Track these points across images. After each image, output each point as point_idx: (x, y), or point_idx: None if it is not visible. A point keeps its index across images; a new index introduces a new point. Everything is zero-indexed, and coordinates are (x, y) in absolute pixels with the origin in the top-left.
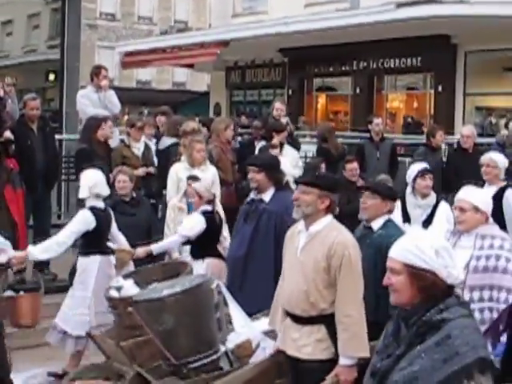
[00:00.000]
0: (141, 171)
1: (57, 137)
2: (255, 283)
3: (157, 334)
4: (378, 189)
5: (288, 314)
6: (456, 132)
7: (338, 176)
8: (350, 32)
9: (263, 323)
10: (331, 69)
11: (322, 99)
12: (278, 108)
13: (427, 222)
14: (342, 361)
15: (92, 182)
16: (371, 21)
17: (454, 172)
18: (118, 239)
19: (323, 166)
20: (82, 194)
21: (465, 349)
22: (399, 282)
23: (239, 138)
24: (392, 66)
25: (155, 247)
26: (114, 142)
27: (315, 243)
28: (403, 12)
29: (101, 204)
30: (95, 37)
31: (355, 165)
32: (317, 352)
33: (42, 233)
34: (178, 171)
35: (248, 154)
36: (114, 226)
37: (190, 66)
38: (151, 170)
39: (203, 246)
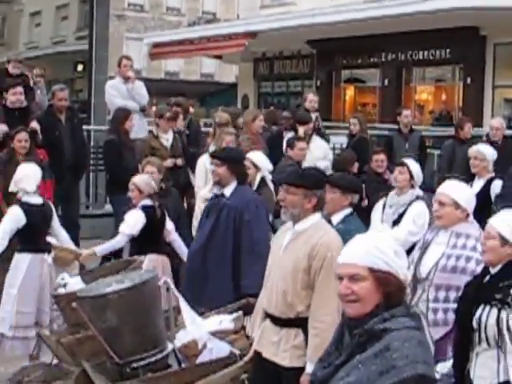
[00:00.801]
0: (169, 162)
1: (85, 127)
2: (213, 278)
3: (100, 331)
4: (338, 182)
5: (267, 314)
6: (484, 124)
7: (366, 167)
8: (378, 23)
9: (213, 322)
10: (359, 60)
11: (350, 91)
12: (312, 100)
13: (397, 223)
14: (309, 368)
15: (18, 176)
16: (399, 12)
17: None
18: (59, 236)
19: (356, 158)
20: (10, 188)
21: (402, 363)
22: (364, 289)
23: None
24: (420, 57)
25: (99, 249)
26: (142, 133)
27: (299, 242)
28: (431, 4)
29: (35, 199)
30: (123, 28)
31: (382, 156)
32: (293, 360)
33: (70, 223)
34: (206, 162)
35: (277, 146)
36: (55, 223)
37: (219, 57)
38: (179, 161)
39: (144, 241)
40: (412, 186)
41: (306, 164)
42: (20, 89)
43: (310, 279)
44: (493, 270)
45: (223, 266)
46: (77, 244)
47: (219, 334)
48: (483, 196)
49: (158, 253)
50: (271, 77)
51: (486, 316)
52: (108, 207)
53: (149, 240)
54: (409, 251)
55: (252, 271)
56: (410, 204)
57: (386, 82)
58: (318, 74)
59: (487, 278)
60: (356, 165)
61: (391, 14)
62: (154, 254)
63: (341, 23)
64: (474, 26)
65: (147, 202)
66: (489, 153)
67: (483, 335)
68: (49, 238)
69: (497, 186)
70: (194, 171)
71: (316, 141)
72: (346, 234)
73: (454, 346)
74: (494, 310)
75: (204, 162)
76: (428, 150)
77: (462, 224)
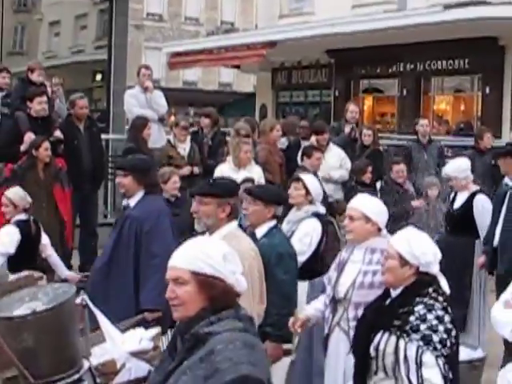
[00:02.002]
0: (186, 170)
1: (103, 136)
2: (115, 293)
3: (15, 352)
4: (260, 194)
5: None
6: (504, 134)
7: (386, 178)
8: (397, 33)
9: (133, 342)
10: (378, 70)
11: (368, 101)
12: (353, 110)
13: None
14: None
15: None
16: (418, 22)
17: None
18: None
19: (370, 168)
20: None
21: (226, 365)
22: (187, 293)
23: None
24: (439, 67)
25: None
26: (160, 143)
27: None
28: (450, 14)
29: None
30: (142, 37)
31: (402, 166)
32: None
33: (88, 232)
34: (224, 171)
35: (294, 156)
36: None
37: (237, 66)
38: (196, 169)
39: (19, 257)
40: (310, 202)
41: (320, 174)
42: (45, 98)
43: None
44: (393, 293)
45: (125, 281)
46: (95, 253)
47: (140, 354)
48: (466, 208)
49: (34, 269)
50: (289, 86)
51: (385, 343)
52: None
53: (24, 256)
54: None
55: (148, 285)
56: (301, 221)
57: (405, 91)
58: (337, 83)
59: (388, 301)
60: (369, 175)
61: (410, 24)
62: (29, 270)
63: (360, 33)
64: (493, 36)
65: (22, 216)
66: (458, 170)
67: (380, 363)
68: None
69: (480, 201)
70: None
71: (332, 150)
72: (269, 248)
73: (353, 374)
74: (393, 338)
75: (222, 170)
76: (447, 160)
77: (375, 239)
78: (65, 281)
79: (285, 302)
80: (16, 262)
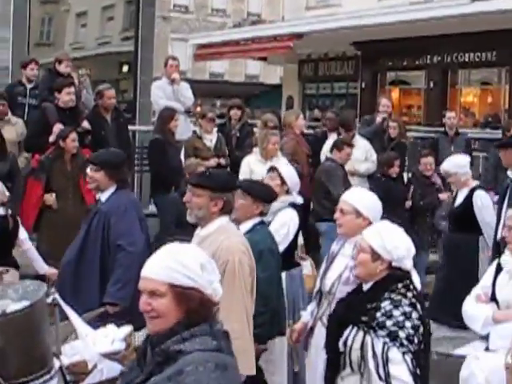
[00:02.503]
0: (212, 162)
1: (130, 128)
2: (84, 285)
3: None
4: (250, 189)
5: None
6: None
7: (414, 169)
8: (424, 26)
9: (105, 342)
10: (404, 63)
11: (395, 93)
12: (385, 104)
13: None
14: None
15: None
16: (445, 14)
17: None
18: None
19: (397, 162)
20: None
21: None
22: (163, 306)
23: (311, 131)
24: (466, 60)
25: None
26: (186, 135)
27: (204, 247)
28: (477, 6)
29: None
30: (168, 29)
31: (430, 159)
32: None
33: None
34: (251, 163)
35: (321, 147)
36: None
37: (263, 58)
38: (222, 160)
39: None
40: (287, 192)
41: (346, 167)
42: (73, 89)
43: None
44: (365, 287)
45: (92, 274)
46: None
47: (111, 355)
48: (466, 204)
49: (9, 265)
50: (316, 78)
51: (352, 339)
52: (152, 208)
53: (1, 251)
54: None
55: (111, 279)
56: (277, 212)
57: (432, 84)
58: (363, 75)
59: (359, 296)
60: (396, 169)
61: (437, 16)
62: (5, 266)
63: (386, 25)
64: None
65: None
66: (456, 166)
67: (347, 359)
68: None
69: (479, 196)
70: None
71: (358, 142)
72: (251, 244)
73: (325, 369)
74: (360, 334)
75: (248, 162)
76: (474, 153)
77: None
78: (41, 276)
79: (261, 299)
80: None
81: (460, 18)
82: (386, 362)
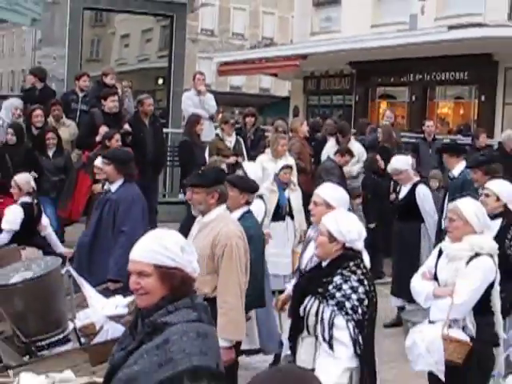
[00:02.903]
0: (232, 159)
1: (164, 130)
2: (98, 266)
3: (9, 314)
4: (235, 182)
5: None
6: (496, 135)
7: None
8: (409, 49)
9: (110, 307)
10: (391, 80)
11: (383, 105)
12: (389, 116)
13: None
14: (221, 343)
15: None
16: (426, 40)
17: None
18: None
19: (378, 157)
20: None
21: (179, 356)
22: (150, 284)
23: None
24: (443, 78)
25: None
26: (210, 137)
27: (205, 232)
28: (453, 34)
29: None
30: (196, 49)
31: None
32: None
33: (150, 209)
34: (263, 161)
35: (322, 149)
36: None
37: (274, 74)
38: (240, 159)
39: (21, 234)
40: None
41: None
42: (116, 97)
43: (214, 265)
44: (323, 264)
45: (105, 255)
46: (155, 226)
47: (116, 318)
48: (411, 198)
49: (31, 245)
50: (318, 92)
51: (310, 306)
52: (181, 196)
53: (24, 234)
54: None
55: (112, 258)
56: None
57: (414, 98)
58: (357, 90)
59: (318, 271)
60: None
61: (419, 42)
62: (28, 246)
63: (377, 49)
64: (488, 52)
65: (26, 199)
66: (399, 165)
67: (306, 323)
68: None
69: (421, 190)
70: None
71: (353, 145)
72: (245, 230)
73: (289, 331)
74: (316, 302)
75: (262, 160)
76: None
77: None
78: (59, 255)
79: (252, 279)
80: (19, 237)
81: (438, 43)
82: (331, 326)
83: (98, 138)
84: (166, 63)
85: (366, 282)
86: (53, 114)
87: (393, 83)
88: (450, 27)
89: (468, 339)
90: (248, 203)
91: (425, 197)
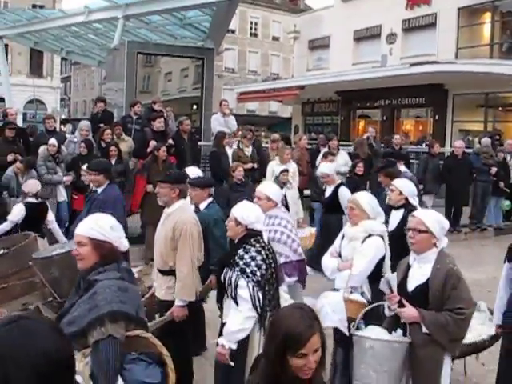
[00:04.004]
0: (249, 165)
1: (198, 143)
2: None
3: (47, 280)
4: (196, 183)
5: (157, 268)
6: (446, 145)
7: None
8: (381, 81)
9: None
10: (368, 104)
11: (361, 123)
12: (371, 131)
13: None
14: (177, 302)
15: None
16: (394, 74)
17: (448, 171)
18: None
19: (360, 164)
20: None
21: (102, 303)
22: (86, 251)
23: (309, 146)
24: (406, 102)
25: None
26: (232, 147)
27: (169, 220)
28: (414, 69)
29: None
30: (222, 82)
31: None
32: (167, 295)
33: None
34: (273, 166)
35: (317, 156)
36: None
37: (280, 101)
38: (255, 165)
39: (26, 227)
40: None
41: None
42: (163, 119)
43: (175, 244)
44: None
45: None
46: None
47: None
48: (334, 198)
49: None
50: (312, 114)
51: (225, 274)
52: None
53: (28, 227)
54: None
55: None
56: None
57: (384, 117)
58: (342, 112)
59: (231, 247)
60: (359, 169)
61: (388, 75)
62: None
63: (357, 81)
64: (440, 83)
65: (32, 200)
66: (325, 170)
67: (225, 287)
68: None
69: (342, 190)
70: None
71: (341, 153)
72: (209, 216)
73: (216, 294)
74: (230, 271)
75: (272, 165)
76: (411, 161)
77: (273, 209)
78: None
79: (220, 250)
80: (24, 229)
81: (403, 76)
82: (235, 287)
83: (149, 150)
84: (199, 93)
85: (263, 252)
86: (115, 133)
87: (369, 106)
88: (412, 64)
89: (365, 301)
90: (210, 195)
91: (345, 195)
